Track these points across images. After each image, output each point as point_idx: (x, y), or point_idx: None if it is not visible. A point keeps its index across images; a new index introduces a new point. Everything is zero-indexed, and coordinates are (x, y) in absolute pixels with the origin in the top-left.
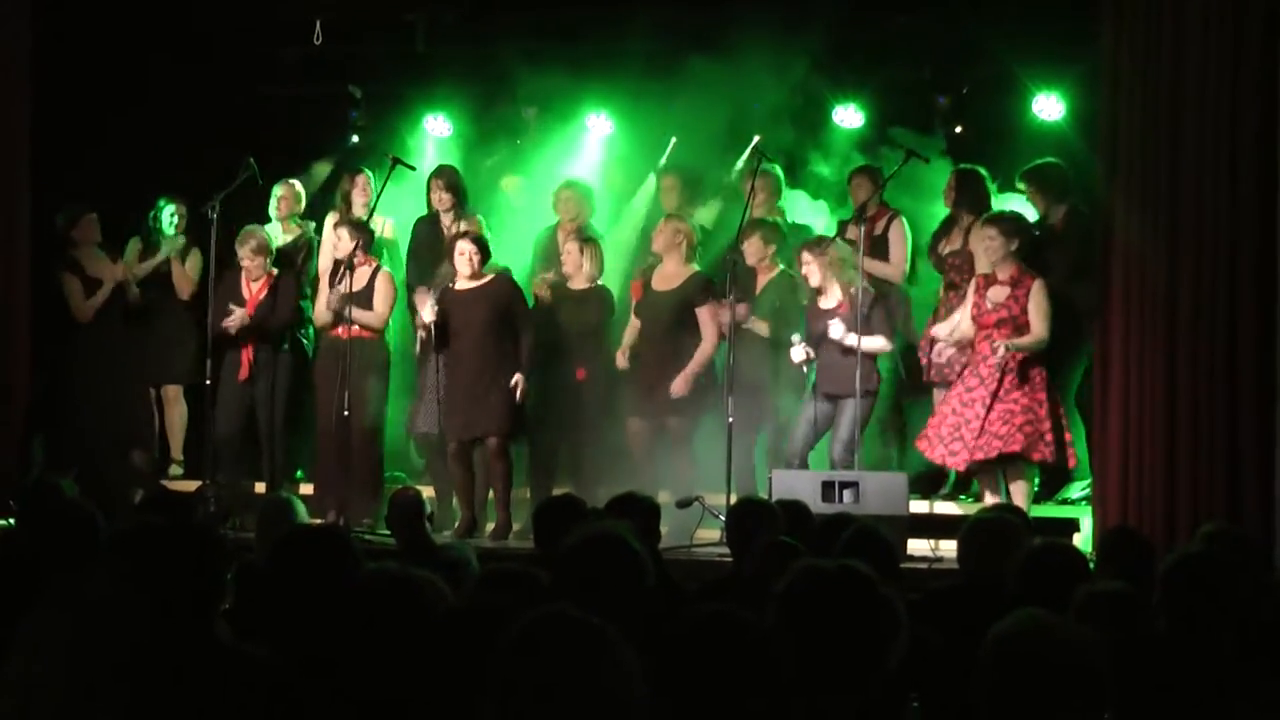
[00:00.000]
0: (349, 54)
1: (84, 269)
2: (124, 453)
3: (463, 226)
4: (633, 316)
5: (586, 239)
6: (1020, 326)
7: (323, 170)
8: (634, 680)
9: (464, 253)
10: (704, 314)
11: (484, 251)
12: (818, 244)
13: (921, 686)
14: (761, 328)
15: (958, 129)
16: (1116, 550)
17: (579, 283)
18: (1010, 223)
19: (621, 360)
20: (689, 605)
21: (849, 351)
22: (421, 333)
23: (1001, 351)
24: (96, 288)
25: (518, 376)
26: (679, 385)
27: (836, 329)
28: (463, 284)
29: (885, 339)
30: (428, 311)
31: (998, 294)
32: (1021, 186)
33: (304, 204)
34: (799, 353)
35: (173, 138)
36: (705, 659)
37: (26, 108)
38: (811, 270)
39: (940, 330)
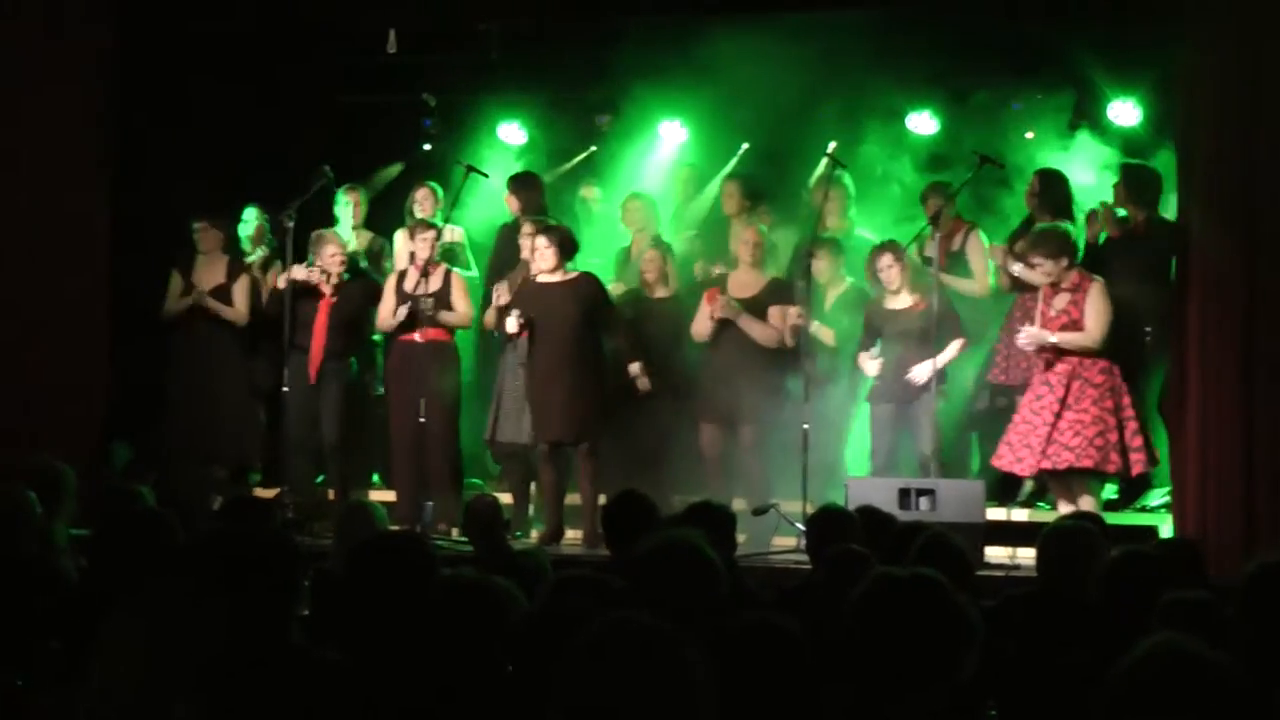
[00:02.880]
0: (423, 63)
1: (192, 275)
2: (206, 460)
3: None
4: (702, 320)
5: (666, 247)
6: (1081, 330)
7: (391, 172)
8: (703, 688)
9: (539, 248)
10: (773, 311)
11: (564, 249)
12: (899, 248)
13: (998, 694)
14: (826, 335)
15: (1028, 135)
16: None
17: (659, 292)
18: (1052, 242)
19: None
20: (736, 614)
21: (922, 347)
22: (509, 323)
23: (1028, 337)
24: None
25: (636, 368)
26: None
27: (923, 372)
28: (544, 278)
29: (960, 339)
30: (511, 323)
31: (1060, 300)
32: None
33: (365, 210)
34: (873, 367)
35: (249, 147)
36: (747, 666)
37: (105, 114)
38: (892, 273)
39: (1021, 339)
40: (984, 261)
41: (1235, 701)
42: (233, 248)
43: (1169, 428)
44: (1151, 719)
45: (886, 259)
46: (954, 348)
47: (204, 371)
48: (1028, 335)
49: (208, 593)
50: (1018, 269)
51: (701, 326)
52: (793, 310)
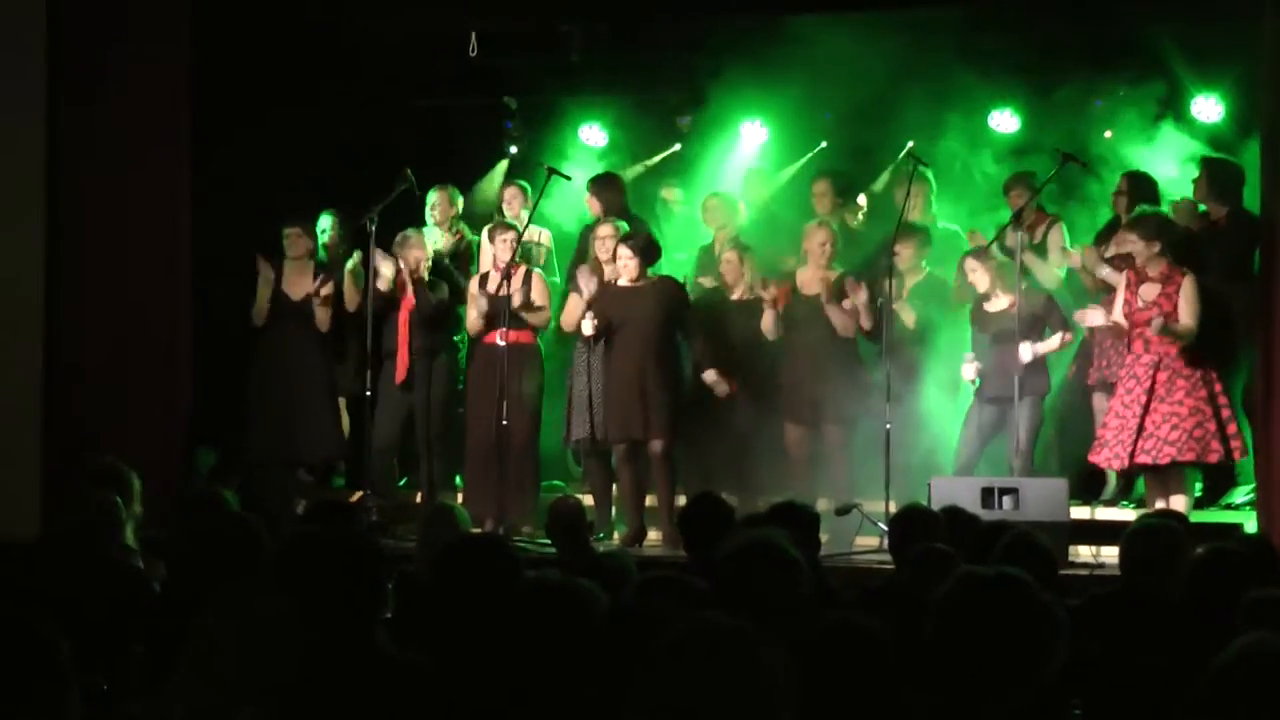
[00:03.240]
0: (504, 65)
1: (281, 282)
2: (292, 464)
3: (609, 230)
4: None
5: (745, 248)
6: (1172, 323)
7: (496, 178)
8: (784, 688)
9: (622, 257)
10: (832, 309)
11: (646, 256)
12: (984, 251)
13: (1083, 694)
14: (908, 316)
15: (1106, 134)
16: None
17: (740, 293)
18: (1151, 224)
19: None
20: (824, 614)
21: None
22: (584, 325)
23: (1156, 325)
24: (277, 306)
25: (711, 375)
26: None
27: (1025, 352)
28: (623, 282)
29: (1063, 331)
30: (587, 324)
31: (1149, 291)
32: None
33: (459, 208)
34: (969, 371)
35: (331, 151)
36: (831, 666)
37: (188, 124)
38: (979, 277)
39: (1095, 317)
40: (1060, 254)
41: None
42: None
43: (1254, 423)
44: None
45: (970, 263)
46: (1056, 339)
47: (288, 375)
48: (1155, 324)
49: (293, 597)
50: (1105, 272)
51: (769, 324)
52: (861, 294)
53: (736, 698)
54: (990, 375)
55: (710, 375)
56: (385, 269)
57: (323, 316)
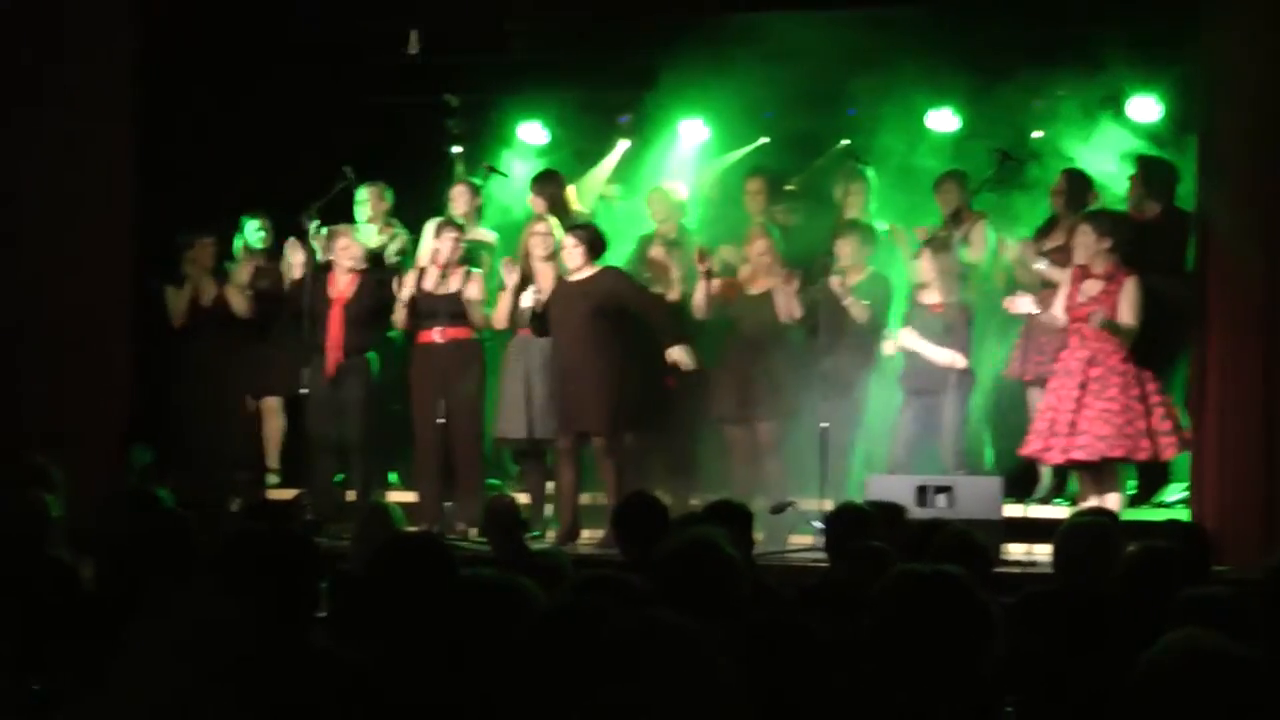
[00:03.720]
0: (445, 63)
1: (190, 287)
2: (224, 463)
3: (544, 227)
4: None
5: (673, 244)
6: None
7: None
8: (729, 686)
9: (567, 247)
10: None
11: (592, 247)
12: (943, 246)
13: (1017, 691)
14: (859, 310)
15: (1035, 134)
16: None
17: (662, 289)
18: (1105, 221)
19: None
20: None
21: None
22: (524, 297)
23: (1097, 318)
24: (195, 307)
25: (672, 353)
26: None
27: (907, 337)
28: (572, 276)
29: (960, 354)
30: (528, 297)
31: (1092, 287)
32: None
33: (390, 205)
34: (889, 346)
35: (270, 149)
36: (770, 664)
37: (128, 121)
38: (927, 269)
39: (1024, 304)
40: (983, 249)
41: (1259, 695)
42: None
43: (1191, 420)
44: (1176, 715)
45: (925, 253)
46: (945, 357)
47: (214, 375)
48: (1095, 319)
49: (229, 595)
50: (1041, 265)
51: (700, 301)
52: (834, 280)
53: (684, 695)
54: (916, 368)
55: (674, 352)
56: (294, 256)
57: (239, 303)
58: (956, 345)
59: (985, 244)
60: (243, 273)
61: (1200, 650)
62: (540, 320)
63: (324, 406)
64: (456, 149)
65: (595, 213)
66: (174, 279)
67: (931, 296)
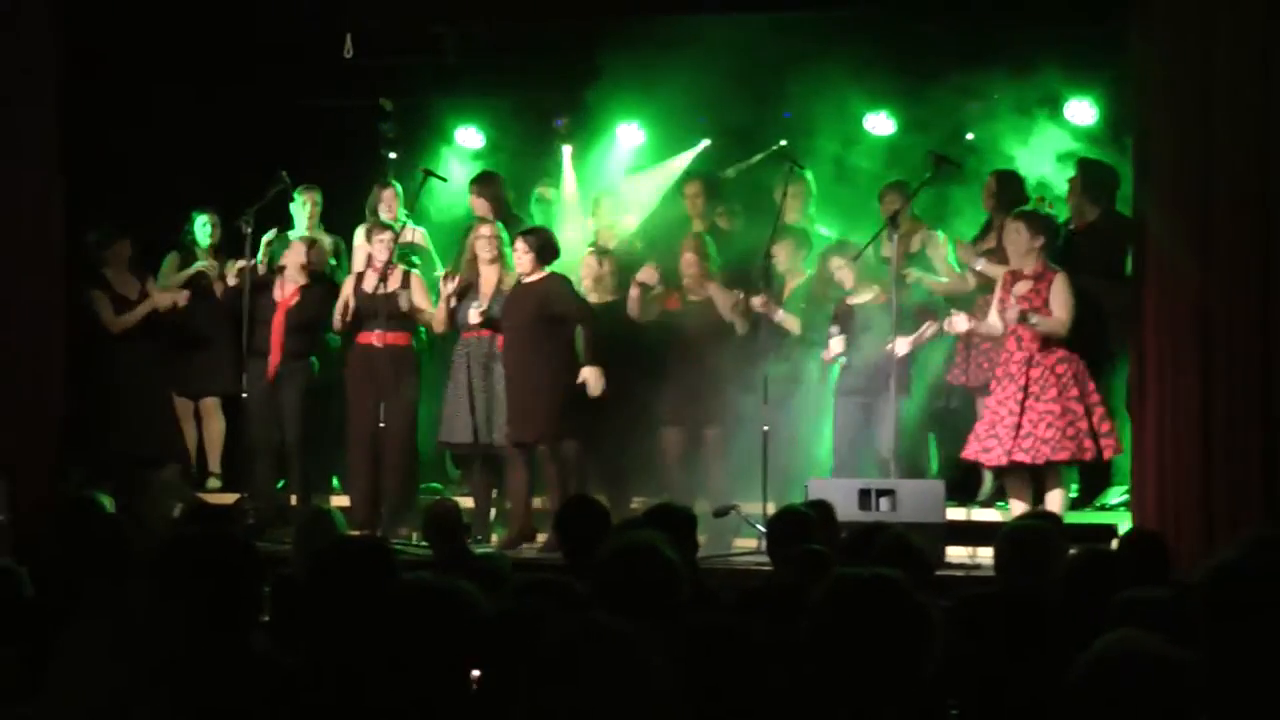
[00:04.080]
0: (379, 67)
1: (113, 287)
2: (161, 466)
3: (489, 230)
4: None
5: (604, 251)
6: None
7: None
8: (666, 690)
9: (517, 251)
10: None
11: (541, 253)
12: (846, 249)
13: (959, 694)
14: (791, 323)
15: (969, 135)
16: (1137, 554)
17: (601, 295)
18: (1036, 219)
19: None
20: (701, 616)
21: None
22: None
23: (1014, 314)
24: (125, 305)
25: (585, 372)
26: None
27: (902, 345)
28: (523, 280)
29: (931, 320)
30: (474, 313)
31: (1022, 288)
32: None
33: (320, 210)
34: (837, 344)
35: (205, 152)
36: (715, 668)
37: (57, 124)
38: (844, 274)
39: (960, 322)
40: (945, 259)
41: (1191, 696)
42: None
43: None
44: (1111, 717)
45: (836, 261)
46: (927, 329)
47: (142, 373)
48: (1011, 313)
49: (167, 599)
50: (981, 264)
51: (634, 304)
52: (757, 298)
53: (621, 700)
54: (852, 370)
55: (586, 372)
56: (162, 301)
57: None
58: (914, 316)
59: (942, 250)
60: (174, 273)
61: (1134, 652)
62: (453, 313)
63: (264, 410)
64: (391, 153)
65: (532, 216)
66: (96, 281)
67: (862, 297)
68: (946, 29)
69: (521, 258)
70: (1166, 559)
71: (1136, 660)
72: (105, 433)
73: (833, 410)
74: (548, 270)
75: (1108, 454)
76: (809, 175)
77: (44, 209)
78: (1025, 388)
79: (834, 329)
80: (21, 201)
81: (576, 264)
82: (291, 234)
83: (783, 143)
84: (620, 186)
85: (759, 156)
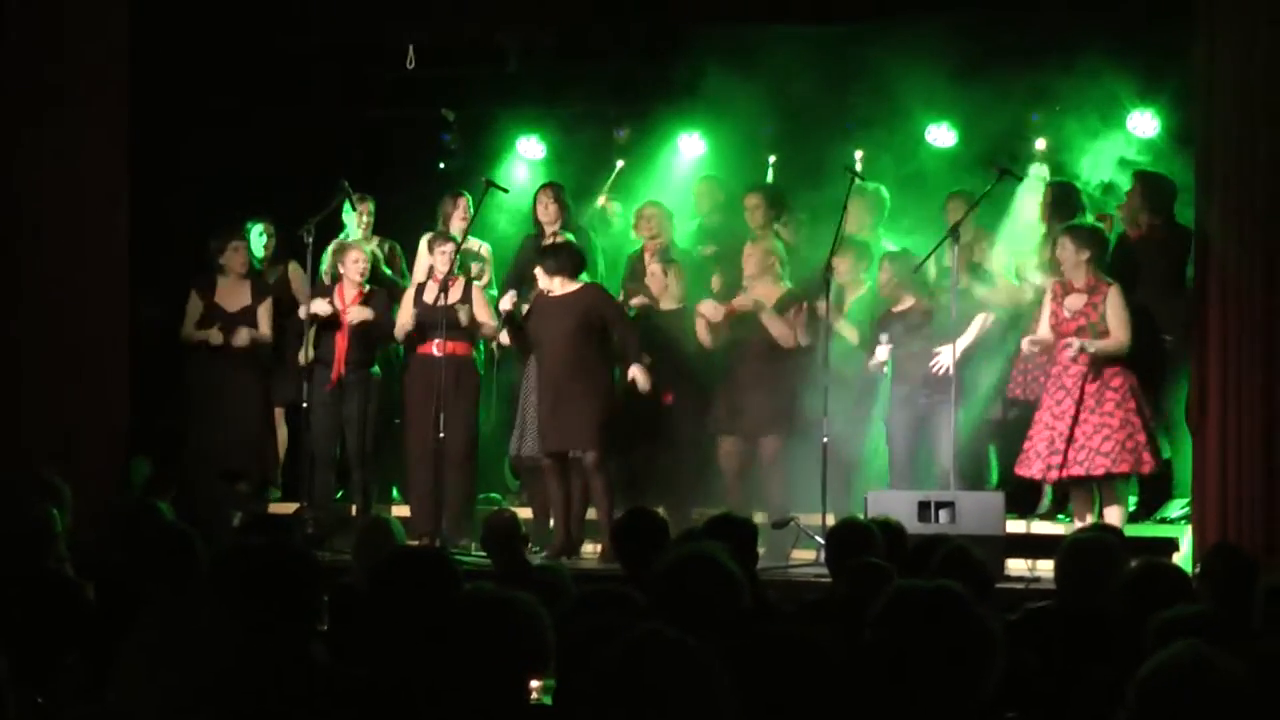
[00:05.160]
0: (441, 77)
1: (214, 293)
2: (225, 476)
3: (559, 238)
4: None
5: (669, 260)
6: (1099, 333)
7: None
8: (728, 702)
9: (539, 275)
10: (768, 318)
11: (560, 269)
12: (906, 259)
13: (1018, 707)
14: (851, 333)
15: (1039, 143)
16: (1217, 568)
17: (667, 303)
18: (1084, 233)
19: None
20: (766, 626)
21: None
22: (503, 301)
23: (1075, 348)
24: (209, 317)
25: (633, 370)
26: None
27: (947, 356)
28: (556, 292)
29: (982, 314)
30: (506, 300)
31: (1075, 301)
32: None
33: (373, 219)
34: (883, 352)
35: (267, 162)
36: (779, 679)
37: (126, 133)
38: (884, 281)
39: (1028, 346)
40: (1002, 275)
41: (1251, 709)
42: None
43: (1192, 436)
44: None
45: (884, 264)
46: (976, 323)
47: (221, 389)
48: (1072, 349)
49: (227, 608)
50: (1040, 279)
51: (705, 334)
52: (800, 314)
53: (682, 712)
54: (904, 379)
55: (634, 370)
56: (320, 308)
57: (266, 333)
58: (936, 341)
59: (1000, 261)
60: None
61: (1195, 663)
62: (519, 332)
63: (326, 420)
64: (440, 164)
65: (594, 228)
66: (201, 285)
67: (904, 304)
68: (1010, 41)
69: (545, 280)
70: (1254, 575)
71: (1197, 671)
72: (174, 439)
73: (888, 421)
74: (581, 281)
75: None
76: (874, 188)
77: (111, 213)
78: (1080, 401)
79: (882, 336)
80: (88, 212)
81: (622, 269)
82: (344, 241)
83: (858, 153)
84: (671, 197)
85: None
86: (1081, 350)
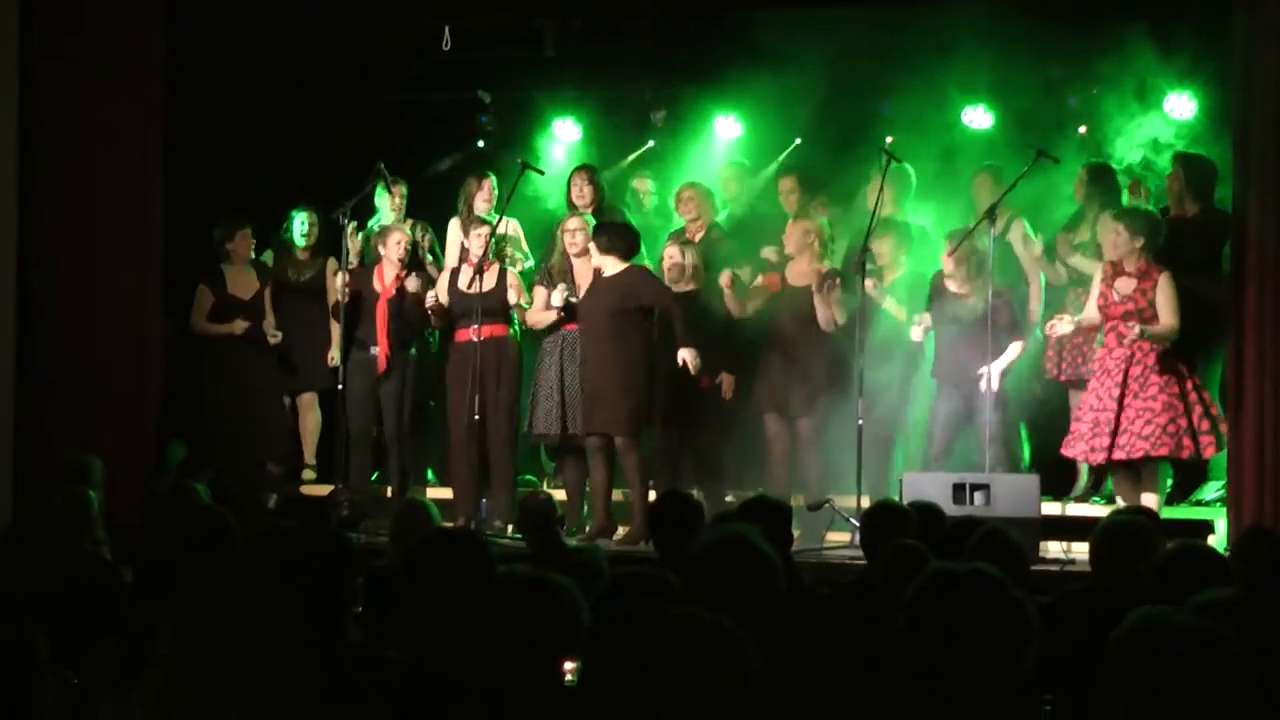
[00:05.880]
0: (477, 60)
1: (225, 284)
2: (260, 458)
3: (577, 223)
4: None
5: (686, 243)
6: (1147, 319)
7: (443, 166)
8: (761, 683)
9: (591, 250)
10: (818, 299)
11: (613, 245)
12: (960, 238)
13: (1054, 689)
14: (897, 310)
15: (1081, 130)
16: (1252, 551)
17: (685, 285)
18: (1139, 218)
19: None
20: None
21: (978, 338)
22: (554, 296)
23: (1135, 334)
24: (231, 303)
25: (683, 353)
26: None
27: (992, 374)
28: (606, 272)
29: (1018, 341)
30: (557, 296)
31: (1125, 285)
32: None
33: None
34: (917, 332)
35: (304, 146)
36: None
37: (161, 120)
38: (948, 261)
39: (1064, 327)
40: (1028, 253)
41: (1231, 667)
42: (265, 254)
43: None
44: (1145, 688)
45: (947, 247)
46: (1013, 351)
47: (244, 373)
48: (1133, 334)
49: (262, 590)
50: (1076, 260)
51: (734, 305)
52: (836, 292)
53: (717, 693)
54: (949, 361)
55: (685, 353)
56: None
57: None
58: (1013, 335)
59: (1025, 242)
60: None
61: (1164, 625)
62: (569, 314)
63: (362, 402)
64: (480, 142)
65: (629, 207)
66: (209, 277)
67: (956, 285)
68: (1045, 22)
69: (598, 257)
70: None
71: (1169, 632)
72: (208, 422)
73: (930, 398)
74: (629, 263)
75: (1208, 453)
76: (907, 169)
77: (145, 205)
78: (1124, 384)
79: (919, 318)
80: (122, 197)
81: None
82: (379, 223)
83: (889, 139)
84: (704, 180)
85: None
86: (1141, 335)
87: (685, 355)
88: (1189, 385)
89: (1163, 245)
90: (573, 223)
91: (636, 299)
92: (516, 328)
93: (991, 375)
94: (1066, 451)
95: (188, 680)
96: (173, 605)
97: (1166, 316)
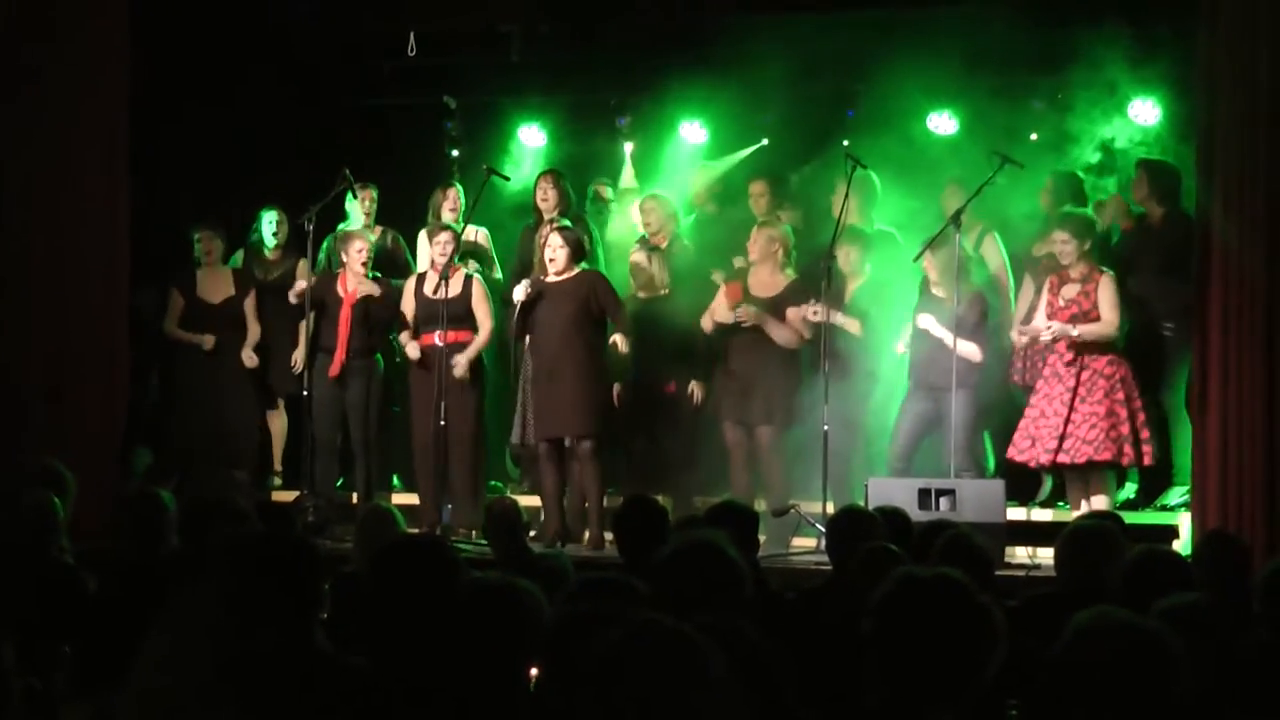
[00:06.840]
0: (443, 65)
1: (196, 288)
2: (225, 463)
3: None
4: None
5: (653, 249)
6: (1092, 321)
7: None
8: (727, 690)
9: (552, 247)
10: (791, 313)
11: (575, 249)
12: (927, 245)
13: (1019, 694)
14: (853, 325)
15: (1032, 136)
16: (1214, 556)
17: (652, 291)
18: (1081, 223)
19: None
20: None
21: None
22: (515, 291)
23: (1053, 330)
24: (195, 313)
25: (616, 335)
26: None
27: (925, 320)
28: (553, 277)
29: (979, 348)
30: (519, 290)
31: (1069, 291)
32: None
33: (375, 208)
34: (901, 345)
35: (268, 150)
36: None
37: (126, 124)
38: (932, 267)
39: (1046, 336)
40: (1001, 262)
41: (1171, 665)
42: (235, 257)
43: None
44: (1090, 688)
45: (927, 254)
46: (973, 352)
47: (213, 378)
48: (1052, 331)
49: (228, 597)
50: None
51: (709, 321)
52: (807, 307)
53: (682, 700)
54: (923, 363)
55: (617, 336)
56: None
57: (255, 328)
58: (971, 338)
59: (998, 253)
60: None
61: (1111, 625)
62: (525, 315)
63: (328, 408)
64: (454, 150)
65: (590, 214)
66: (180, 280)
67: (939, 289)
68: (1010, 28)
69: (557, 253)
70: (1247, 562)
71: (1113, 632)
72: (173, 428)
73: (900, 402)
74: (581, 267)
75: (1147, 460)
76: (873, 175)
77: (111, 209)
78: (1074, 389)
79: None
80: (88, 202)
81: (626, 259)
82: (347, 229)
83: (845, 143)
84: (668, 187)
85: (819, 163)
86: (1062, 334)
87: (617, 338)
88: (1134, 392)
89: (1127, 249)
90: (546, 228)
91: (594, 303)
92: (494, 329)
93: (956, 346)
94: (1011, 454)
95: (158, 686)
96: (158, 613)
97: (1106, 314)
